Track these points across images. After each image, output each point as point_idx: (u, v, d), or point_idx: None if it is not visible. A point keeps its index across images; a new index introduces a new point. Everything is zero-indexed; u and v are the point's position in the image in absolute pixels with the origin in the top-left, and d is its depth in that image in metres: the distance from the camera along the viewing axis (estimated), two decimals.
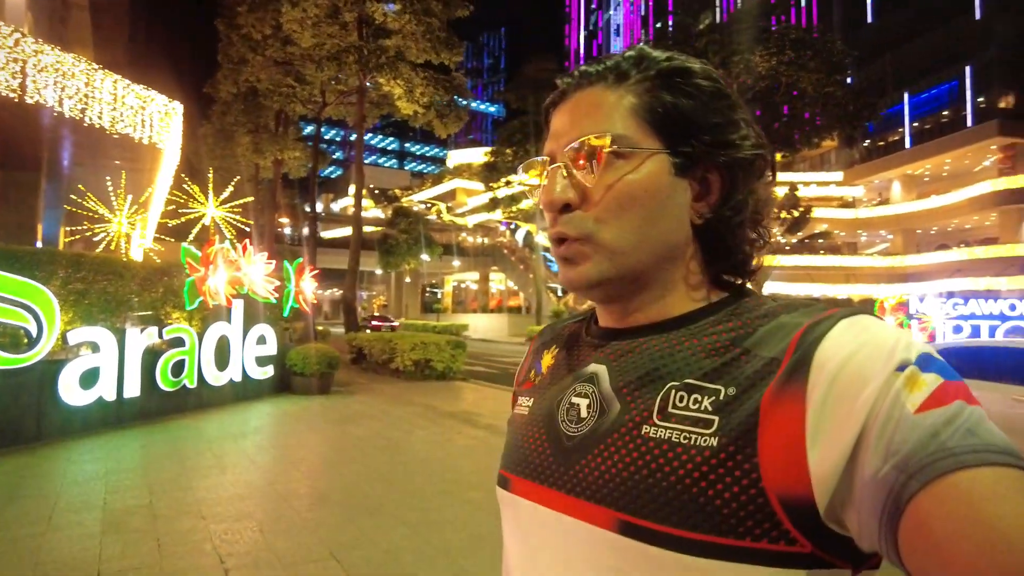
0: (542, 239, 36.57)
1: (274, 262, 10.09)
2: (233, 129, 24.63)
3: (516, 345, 28.34)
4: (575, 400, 0.65)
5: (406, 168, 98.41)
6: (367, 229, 53.58)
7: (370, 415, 8.66)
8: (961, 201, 39.87)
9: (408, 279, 54.19)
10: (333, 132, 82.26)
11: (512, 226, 47.66)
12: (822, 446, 0.48)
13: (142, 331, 7.57)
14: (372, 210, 65.19)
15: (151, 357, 7.71)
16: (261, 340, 9.82)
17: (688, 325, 0.62)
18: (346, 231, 56.96)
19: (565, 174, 0.63)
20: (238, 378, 9.28)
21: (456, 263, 46.10)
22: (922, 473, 0.44)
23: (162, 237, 14.26)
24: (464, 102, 20.30)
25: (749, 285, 0.68)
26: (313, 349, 10.56)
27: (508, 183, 34.02)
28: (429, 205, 61.86)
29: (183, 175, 15.50)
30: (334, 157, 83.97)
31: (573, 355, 0.71)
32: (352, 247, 18.62)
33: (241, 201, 16.65)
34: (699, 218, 0.64)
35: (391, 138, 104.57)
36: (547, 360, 0.75)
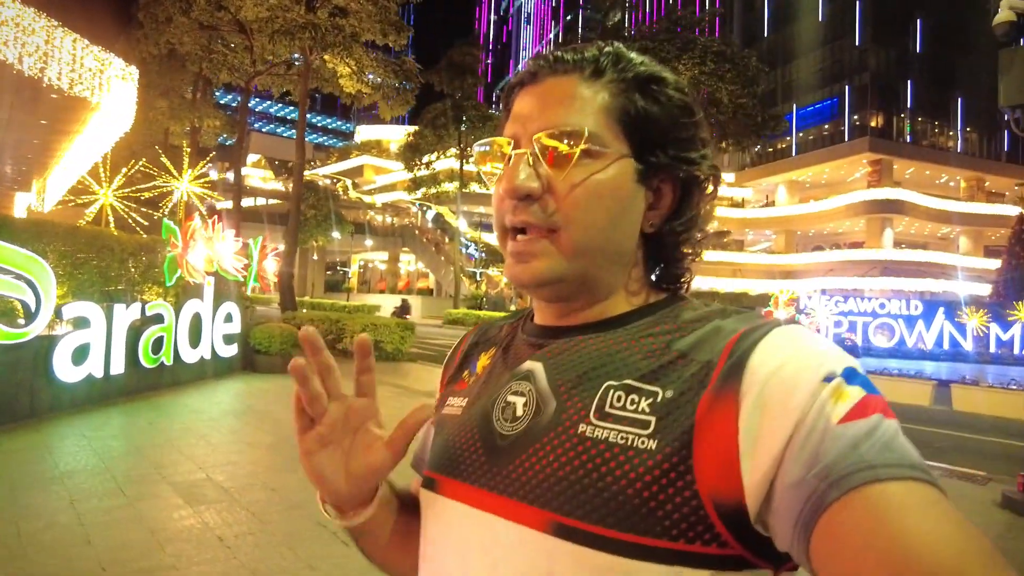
0: (463, 225, 36.86)
1: (241, 240, 9.99)
2: (145, 92, 23.07)
3: (435, 328, 28.59)
4: (511, 399, 0.63)
5: (307, 140, 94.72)
6: (272, 202, 51.55)
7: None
8: (837, 207, 44.24)
9: (315, 256, 52.64)
10: (229, 97, 77.75)
11: (423, 207, 47.53)
12: (754, 453, 0.49)
13: (127, 307, 7.42)
14: (271, 182, 62.52)
15: (134, 334, 7.57)
16: (228, 318, 9.72)
17: (626, 325, 0.63)
18: (245, 202, 54.30)
19: (531, 162, 0.61)
20: (208, 356, 9.18)
21: (368, 243, 45.34)
22: (840, 484, 0.45)
23: (138, 208, 13.26)
24: (411, 86, 20.31)
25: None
26: (276, 328, 10.55)
27: (428, 165, 34.01)
28: (335, 180, 60.20)
29: (157, 148, 14.51)
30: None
31: (510, 354, 0.70)
32: (291, 225, 18.29)
33: (208, 179, 15.80)
34: (650, 227, 0.65)
35: (291, 107, 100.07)
36: (483, 361, 0.74)
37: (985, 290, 34.12)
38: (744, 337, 0.54)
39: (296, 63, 22.08)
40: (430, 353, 16.58)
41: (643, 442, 0.53)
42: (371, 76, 19.06)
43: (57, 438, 5.73)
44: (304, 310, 18.84)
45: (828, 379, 0.49)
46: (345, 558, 3.55)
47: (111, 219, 10.22)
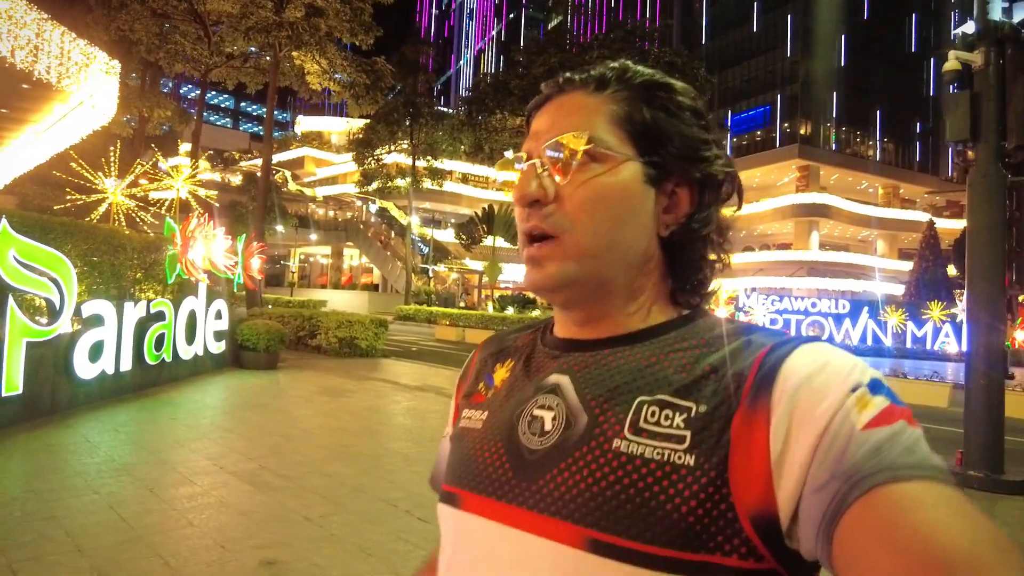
0: (416, 220, 36.92)
1: (230, 238, 10.11)
2: None
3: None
4: (538, 412, 0.63)
5: (242, 129, 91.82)
6: (211, 193, 49.91)
7: (348, 390, 9.21)
8: (767, 210, 46.76)
9: None
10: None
11: (367, 201, 47.17)
12: (784, 464, 0.50)
13: (135, 304, 7.53)
14: (207, 173, 60.45)
15: (139, 331, 7.68)
16: (218, 315, 9.83)
17: (653, 338, 0.63)
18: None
19: (540, 170, 0.64)
20: (201, 352, 9.30)
21: (313, 236, 44.67)
22: (861, 484, 0.46)
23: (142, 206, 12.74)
24: (383, 85, 20.37)
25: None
26: (263, 325, 10.69)
27: (379, 160, 33.93)
28: (273, 172, 58.68)
29: (152, 146, 14.05)
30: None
31: (531, 366, 0.69)
32: (256, 222, 18.17)
33: (200, 179, 15.41)
34: (665, 230, 0.65)
35: (225, 95, 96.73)
36: (501, 373, 0.73)
37: (899, 290, 36.95)
38: (772, 351, 0.55)
39: (254, 56, 21.79)
40: (396, 349, 16.89)
41: (680, 457, 0.53)
42: (339, 75, 19.11)
43: (93, 433, 5.88)
44: (269, 306, 18.72)
45: (854, 389, 0.51)
46: (428, 531, 4.01)
47: (121, 218, 10.06)
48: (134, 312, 7.48)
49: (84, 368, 6.71)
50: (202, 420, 6.77)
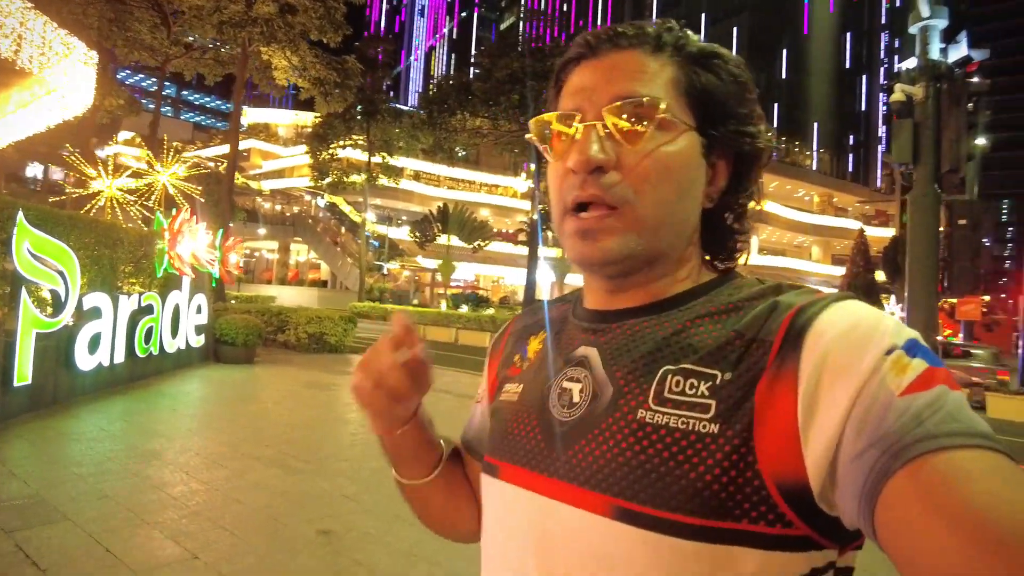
0: (371, 217, 36.77)
1: (211, 233, 10.20)
2: None
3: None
4: (567, 385, 0.64)
5: (183, 118, 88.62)
6: (195, 187, 48.22)
7: (331, 383, 9.47)
8: None
9: None
10: None
11: (315, 195, 46.54)
12: (814, 429, 0.49)
13: (129, 298, 7.65)
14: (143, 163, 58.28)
15: (131, 324, 7.79)
16: (198, 309, 9.93)
17: (680, 307, 0.62)
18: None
19: (602, 134, 0.59)
20: (183, 346, 9.40)
21: (262, 231, 43.82)
22: (903, 453, 0.44)
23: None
24: (352, 84, 20.37)
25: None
26: (241, 320, 10.80)
27: (332, 155, 33.66)
28: (217, 164, 57.20)
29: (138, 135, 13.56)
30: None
31: (562, 339, 0.69)
32: (222, 216, 17.98)
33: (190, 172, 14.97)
34: (709, 202, 0.64)
35: (166, 83, 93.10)
36: (534, 345, 0.73)
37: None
38: (800, 313, 0.53)
39: (214, 47, 21.49)
40: (362, 346, 17.06)
41: (704, 426, 0.53)
42: (308, 72, 19.09)
43: (103, 422, 6.03)
44: (233, 301, 18.53)
45: (889, 352, 0.49)
46: None
47: (118, 211, 9.87)
48: (128, 305, 7.60)
49: (83, 360, 6.81)
50: (202, 411, 6.98)
